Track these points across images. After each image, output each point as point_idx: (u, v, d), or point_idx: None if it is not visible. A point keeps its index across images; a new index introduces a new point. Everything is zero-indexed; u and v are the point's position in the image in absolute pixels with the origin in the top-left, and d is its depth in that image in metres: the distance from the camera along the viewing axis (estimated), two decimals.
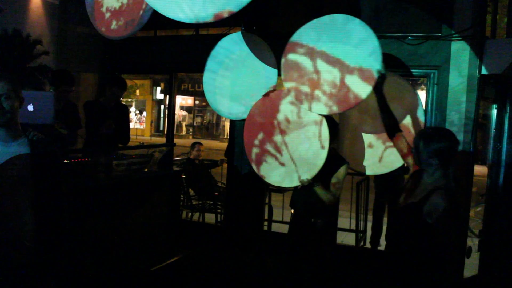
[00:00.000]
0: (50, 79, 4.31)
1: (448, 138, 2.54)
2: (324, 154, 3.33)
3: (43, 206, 2.09)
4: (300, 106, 3.42)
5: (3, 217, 2.04)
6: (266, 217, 5.55)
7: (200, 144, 6.65)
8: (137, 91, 24.87)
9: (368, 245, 5.58)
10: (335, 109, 3.28)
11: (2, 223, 2.04)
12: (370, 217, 5.75)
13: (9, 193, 2.03)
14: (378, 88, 3.09)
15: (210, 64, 4.19)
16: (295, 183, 3.45)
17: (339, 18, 3.28)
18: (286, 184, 3.56)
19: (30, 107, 3.18)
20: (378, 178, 5.41)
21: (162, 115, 26.30)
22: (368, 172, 3.94)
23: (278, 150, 3.56)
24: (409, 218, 2.60)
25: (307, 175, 3.37)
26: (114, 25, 3.83)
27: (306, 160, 3.42)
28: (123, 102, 6.35)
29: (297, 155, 3.48)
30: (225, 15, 3.02)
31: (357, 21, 3.22)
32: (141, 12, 3.65)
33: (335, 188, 3.40)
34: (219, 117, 24.28)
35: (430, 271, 2.59)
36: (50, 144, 2.18)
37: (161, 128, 25.90)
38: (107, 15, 3.91)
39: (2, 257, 2.05)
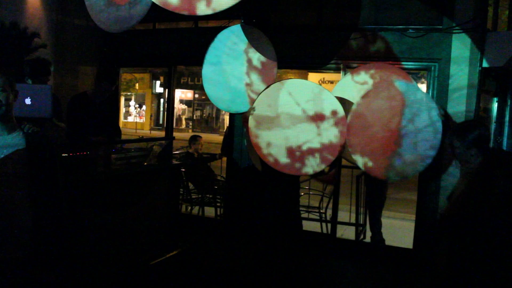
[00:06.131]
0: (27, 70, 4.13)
1: (478, 126, 2.57)
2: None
3: (40, 200, 2.08)
4: None
5: (0, 211, 2.02)
6: None
7: (199, 137, 6.60)
8: (137, 84, 24.79)
9: (368, 239, 5.57)
10: None
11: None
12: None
13: (5, 187, 2.02)
14: None
15: (210, 57, 4.15)
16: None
17: None
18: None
19: (28, 101, 3.15)
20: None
21: (161, 108, 26.21)
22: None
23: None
24: None
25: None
26: None
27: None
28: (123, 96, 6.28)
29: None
30: None
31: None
32: None
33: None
34: (218, 110, 24.21)
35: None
36: (46, 137, 2.16)
37: (161, 121, 25.84)
38: None
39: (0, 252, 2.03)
